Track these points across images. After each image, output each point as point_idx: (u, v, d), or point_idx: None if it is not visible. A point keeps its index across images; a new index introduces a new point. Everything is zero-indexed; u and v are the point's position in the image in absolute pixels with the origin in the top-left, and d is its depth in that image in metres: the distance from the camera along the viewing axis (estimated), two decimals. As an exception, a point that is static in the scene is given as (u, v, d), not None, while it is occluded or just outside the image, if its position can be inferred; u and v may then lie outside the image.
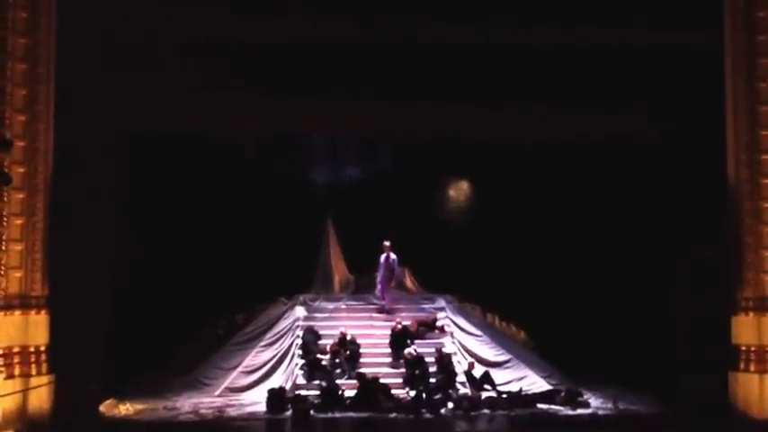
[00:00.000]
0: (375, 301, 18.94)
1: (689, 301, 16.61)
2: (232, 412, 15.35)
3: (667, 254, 17.66)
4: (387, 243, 18.66)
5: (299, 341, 17.39)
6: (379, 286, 18.74)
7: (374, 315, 18.61)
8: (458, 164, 20.15)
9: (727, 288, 14.58)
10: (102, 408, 15.33)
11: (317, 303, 18.78)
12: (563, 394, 16.05)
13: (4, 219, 13.03)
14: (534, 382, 17.00)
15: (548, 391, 16.39)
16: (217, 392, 16.61)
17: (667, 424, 14.46)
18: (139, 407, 15.62)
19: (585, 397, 16.10)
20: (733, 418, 14.05)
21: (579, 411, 15.47)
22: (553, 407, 15.74)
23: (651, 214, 18.14)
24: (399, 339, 17.30)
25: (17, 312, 13.21)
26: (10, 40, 13.14)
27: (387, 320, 18.22)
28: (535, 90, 17.07)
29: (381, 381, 15.98)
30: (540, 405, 15.80)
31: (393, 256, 18.69)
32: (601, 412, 15.42)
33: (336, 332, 17.41)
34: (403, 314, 18.37)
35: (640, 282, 18.28)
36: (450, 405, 15.55)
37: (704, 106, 15.63)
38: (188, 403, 15.93)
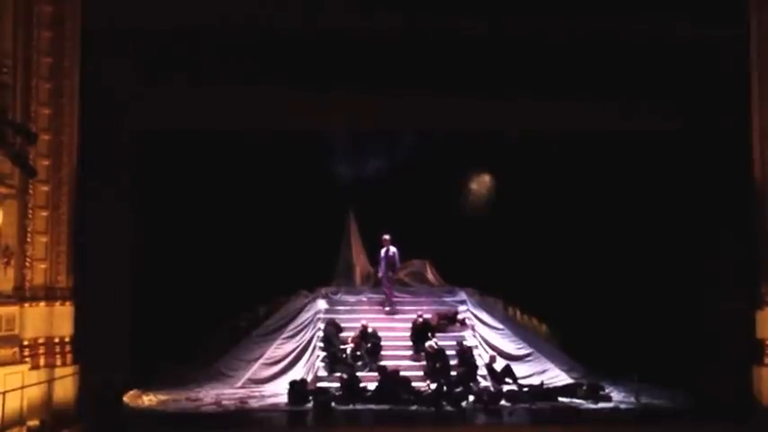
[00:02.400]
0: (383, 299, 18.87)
1: (713, 295, 16.47)
2: (254, 403, 15.45)
3: (691, 248, 17.51)
4: (386, 236, 18.60)
5: (321, 333, 17.44)
6: (384, 283, 18.72)
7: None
8: (480, 157, 20.05)
9: (752, 282, 14.44)
10: (125, 398, 15.51)
11: (338, 296, 18.85)
12: (584, 388, 15.99)
13: (30, 211, 13.12)
14: (556, 376, 16.93)
15: (569, 385, 16.33)
16: (239, 384, 16.71)
17: (690, 419, 14.32)
18: (163, 398, 15.76)
19: (607, 391, 16.00)
20: (757, 414, 13.91)
21: (601, 405, 15.40)
22: (575, 400, 15.68)
23: (676, 209, 17.98)
24: (420, 332, 17.32)
25: (42, 303, 13.32)
26: (35, 34, 13.22)
27: (402, 313, 18.23)
28: (561, 82, 16.95)
29: (402, 373, 16.00)
30: (561, 398, 15.75)
31: (393, 249, 18.64)
32: (623, 406, 15.32)
33: (357, 325, 17.44)
34: (424, 307, 18.37)
35: (663, 276, 18.14)
36: (471, 398, 15.53)
37: (731, 101, 15.46)
38: (210, 394, 16.05)
